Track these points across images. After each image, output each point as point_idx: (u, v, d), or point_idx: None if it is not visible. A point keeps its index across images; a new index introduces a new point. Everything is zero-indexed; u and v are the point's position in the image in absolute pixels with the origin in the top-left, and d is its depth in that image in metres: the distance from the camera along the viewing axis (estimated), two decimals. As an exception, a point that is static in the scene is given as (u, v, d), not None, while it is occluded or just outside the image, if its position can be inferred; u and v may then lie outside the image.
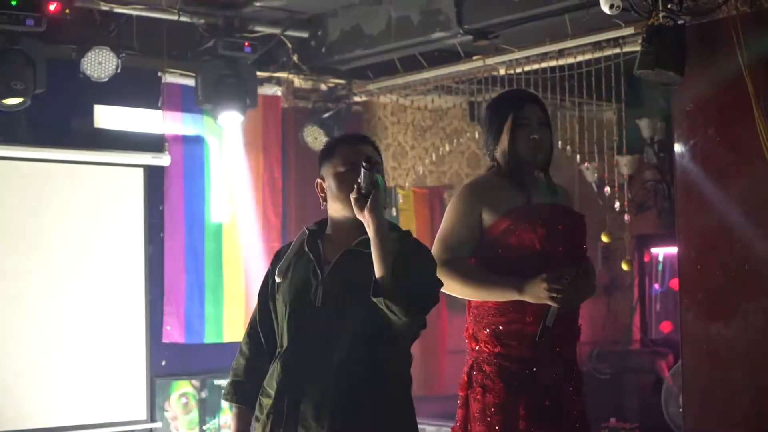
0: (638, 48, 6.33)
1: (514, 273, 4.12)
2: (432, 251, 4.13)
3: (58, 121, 7.89)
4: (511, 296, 4.10)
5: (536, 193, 4.28)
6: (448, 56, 8.14)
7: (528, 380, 4.15)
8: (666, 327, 10.19)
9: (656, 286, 10.66)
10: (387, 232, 3.54)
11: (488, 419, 4.15)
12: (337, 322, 3.63)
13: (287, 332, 3.69)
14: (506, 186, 4.26)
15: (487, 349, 4.19)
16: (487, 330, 4.19)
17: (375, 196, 3.52)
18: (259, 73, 8.40)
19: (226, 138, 8.61)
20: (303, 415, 3.60)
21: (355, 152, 3.72)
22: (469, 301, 4.31)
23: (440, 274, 4.10)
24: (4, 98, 7.08)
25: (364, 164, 3.52)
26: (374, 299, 3.48)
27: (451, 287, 4.21)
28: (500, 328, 4.16)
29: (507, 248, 4.18)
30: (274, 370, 3.71)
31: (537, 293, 4.03)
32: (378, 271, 3.50)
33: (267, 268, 3.93)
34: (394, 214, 9.25)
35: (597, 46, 7.16)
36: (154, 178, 8.40)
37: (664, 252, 10.55)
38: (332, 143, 3.85)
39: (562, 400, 4.20)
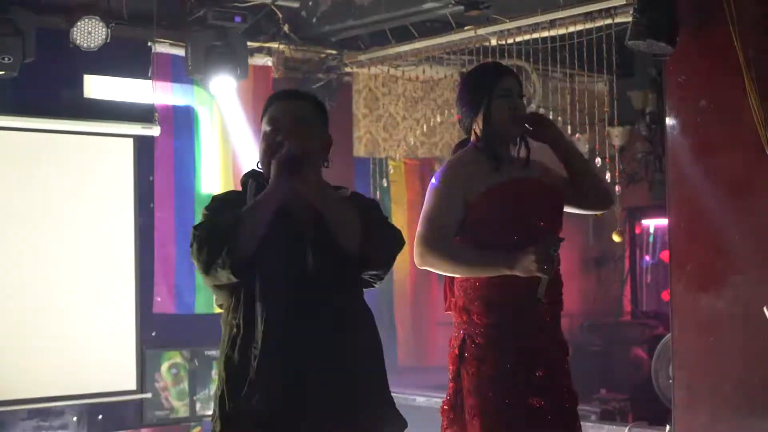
0: (630, 18, 6.32)
1: (499, 249, 4.12)
2: (417, 233, 4.20)
3: (48, 91, 7.86)
4: (501, 272, 4.11)
5: (514, 167, 4.29)
6: (440, 27, 8.12)
7: (521, 351, 4.16)
8: (667, 296, 10.22)
9: (647, 258, 10.67)
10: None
11: (483, 391, 4.15)
12: (332, 288, 3.53)
13: (278, 302, 3.46)
14: (485, 162, 4.25)
15: (479, 321, 4.19)
16: (479, 302, 4.19)
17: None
18: (249, 44, 8.35)
19: (217, 108, 8.58)
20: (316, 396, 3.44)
21: (282, 110, 3.63)
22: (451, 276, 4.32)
23: (428, 254, 4.17)
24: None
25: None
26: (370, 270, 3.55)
27: (441, 266, 4.22)
28: (492, 299, 4.17)
29: (490, 225, 4.18)
30: (268, 345, 3.42)
31: (527, 266, 4.03)
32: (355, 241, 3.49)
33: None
34: (385, 185, 9.24)
35: (589, 16, 7.13)
36: (144, 148, 8.38)
37: (655, 224, 10.55)
38: (274, 97, 3.71)
39: (553, 369, 4.21)
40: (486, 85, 4.27)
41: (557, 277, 4.26)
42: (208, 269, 3.40)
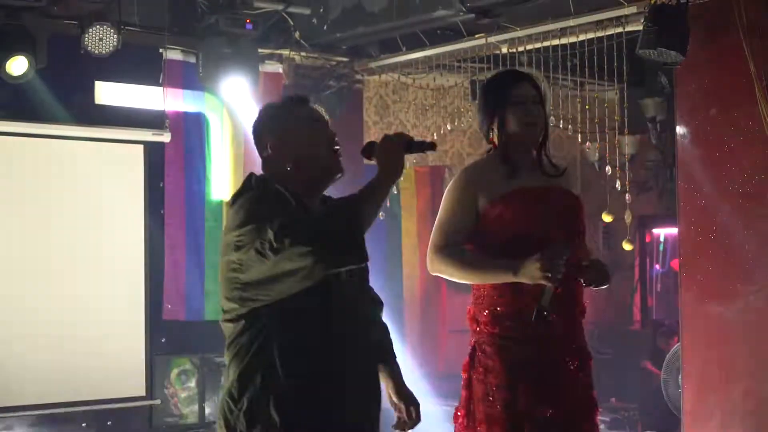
0: (641, 27, 6.31)
1: (509, 257, 4.11)
2: (430, 239, 4.26)
3: (59, 97, 7.86)
4: (506, 278, 4.10)
5: (532, 175, 4.27)
6: (450, 34, 8.12)
7: (527, 361, 4.15)
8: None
9: (657, 266, 10.67)
10: None
11: (490, 400, 4.16)
12: (360, 296, 3.63)
13: (322, 306, 3.48)
14: (501, 169, 4.25)
15: (487, 330, 4.20)
16: (487, 311, 4.20)
17: None
18: (260, 51, 8.37)
19: (227, 115, 8.59)
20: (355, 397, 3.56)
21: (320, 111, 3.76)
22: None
23: (437, 260, 4.22)
24: (6, 61, 7.06)
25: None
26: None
27: (449, 272, 4.25)
28: (499, 309, 4.17)
29: (501, 232, 4.18)
30: (313, 349, 3.47)
31: (532, 273, 4.02)
32: None
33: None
34: (395, 192, 9.24)
35: (599, 25, 7.13)
36: (154, 154, 8.39)
37: (665, 232, 10.55)
38: (287, 102, 3.75)
39: (564, 379, 4.19)
40: (500, 92, 4.29)
41: (574, 289, 4.24)
42: (336, 259, 3.39)
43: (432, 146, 3.67)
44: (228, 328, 3.57)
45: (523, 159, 4.29)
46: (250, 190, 3.55)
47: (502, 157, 4.28)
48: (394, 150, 3.53)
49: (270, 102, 3.80)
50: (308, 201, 3.56)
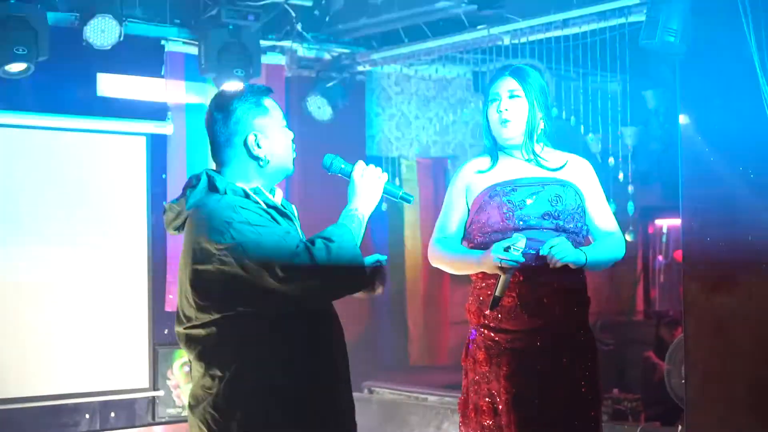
0: (643, 18, 6.30)
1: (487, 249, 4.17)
2: None
3: (61, 89, 7.87)
4: (474, 269, 4.20)
5: (525, 168, 4.31)
6: (453, 26, 8.11)
7: (508, 351, 4.22)
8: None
9: (660, 257, 10.66)
10: None
11: (477, 388, 4.26)
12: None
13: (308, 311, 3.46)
14: (487, 164, 4.34)
15: (474, 320, 4.32)
16: (474, 302, 4.31)
17: None
18: (262, 42, 8.37)
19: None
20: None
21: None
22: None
23: (431, 252, 4.40)
24: (7, 64, 7.05)
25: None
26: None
27: (441, 264, 4.41)
28: (481, 298, 4.26)
29: (481, 226, 4.26)
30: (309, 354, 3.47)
31: (488, 263, 4.07)
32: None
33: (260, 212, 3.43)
34: (398, 184, 9.23)
35: (602, 16, 7.12)
36: (157, 146, 8.40)
37: (668, 224, 10.54)
38: (258, 93, 3.58)
39: (548, 371, 4.21)
40: (485, 91, 4.42)
41: (557, 280, 4.24)
42: (341, 292, 3.46)
43: (407, 200, 3.77)
44: (195, 336, 3.56)
45: (515, 153, 4.35)
46: (214, 193, 3.46)
47: (489, 153, 4.38)
48: (375, 183, 3.59)
49: (234, 92, 3.58)
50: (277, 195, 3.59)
